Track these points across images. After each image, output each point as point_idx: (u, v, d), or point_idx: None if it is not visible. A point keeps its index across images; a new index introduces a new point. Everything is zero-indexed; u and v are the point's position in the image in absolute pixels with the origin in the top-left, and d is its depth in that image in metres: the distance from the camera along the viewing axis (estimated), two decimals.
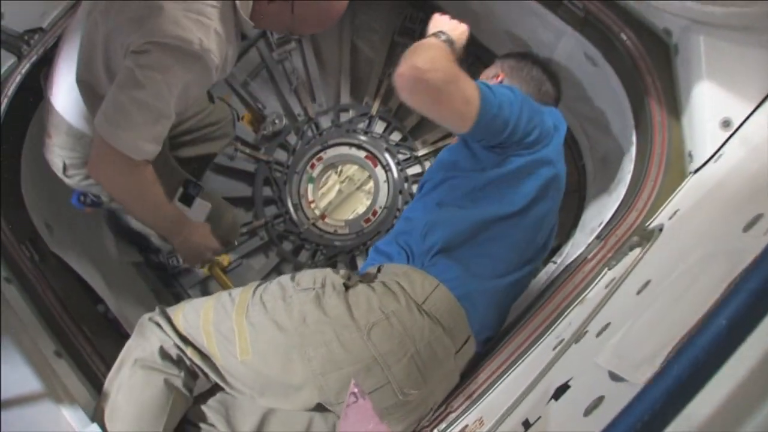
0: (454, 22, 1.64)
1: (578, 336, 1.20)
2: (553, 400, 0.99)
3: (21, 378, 1.44)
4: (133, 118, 1.41)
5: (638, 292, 1.10)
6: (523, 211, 1.55)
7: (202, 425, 1.51)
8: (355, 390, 0.99)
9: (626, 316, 1.04)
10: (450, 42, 1.56)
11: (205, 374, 1.46)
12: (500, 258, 1.52)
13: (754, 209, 0.90)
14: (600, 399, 0.80)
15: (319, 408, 1.41)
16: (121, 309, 2.10)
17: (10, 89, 1.99)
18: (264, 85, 2.83)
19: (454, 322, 1.41)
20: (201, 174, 2.48)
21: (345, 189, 3.45)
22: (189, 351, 1.44)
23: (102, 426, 1.44)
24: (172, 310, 1.54)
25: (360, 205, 3.00)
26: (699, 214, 1.23)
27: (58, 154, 1.73)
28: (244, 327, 1.39)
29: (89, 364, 1.74)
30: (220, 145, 2.29)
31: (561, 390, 0.99)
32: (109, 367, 1.66)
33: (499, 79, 1.83)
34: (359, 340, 1.31)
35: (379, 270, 1.51)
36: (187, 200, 1.93)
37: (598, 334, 1.09)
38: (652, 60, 1.65)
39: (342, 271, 1.47)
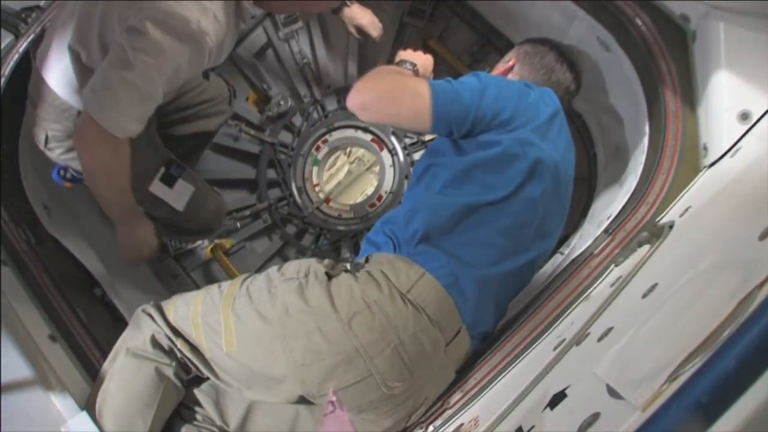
0: (419, 53, 1.70)
1: (580, 338, 1.15)
2: (548, 409, 0.94)
3: (11, 364, 1.43)
4: (120, 98, 1.41)
5: (644, 296, 1.04)
6: (510, 196, 1.48)
7: (195, 408, 1.51)
8: (333, 399, 0.95)
9: (630, 322, 0.98)
10: (413, 68, 1.62)
11: (195, 366, 1.43)
12: (490, 244, 1.46)
13: None
14: (595, 416, 0.75)
15: (305, 401, 1.38)
16: (120, 292, 2.08)
17: (8, 68, 1.95)
18: (270, 65, 2.76)
19: (442, 313, 1.36)
20: (199, 152, 2.44)
21: (354, 170, 3.40)
22: (179, 343, 1.43)
23: (92, 414, 1.42)
24: (165, 303, 1.52)
25: (369, 186, 2.96)
26: (712, 214, 1.17)
27: (42, 126, 1.72)
28: (230, 318, 1.37)
29: (83, 348, 1.73)
30: (216, 123, 2.24)
31: (557, 398, 0.95)
32: (103, 352, 1.65)
33: (511, 64, 1.78)
34: (340, 330, 1.28)
35: (367, 260, 1.48)
36: (169, 181, 1.88)
37: (600, 339, 1.04)
38: (668, 47, 1.58)
39: (326, 261, 1.44)
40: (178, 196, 1.89)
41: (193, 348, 1.43)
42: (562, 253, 2.13)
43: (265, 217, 2.67)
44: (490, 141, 1.49)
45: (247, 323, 1.35)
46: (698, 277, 0.87)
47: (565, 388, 0.95)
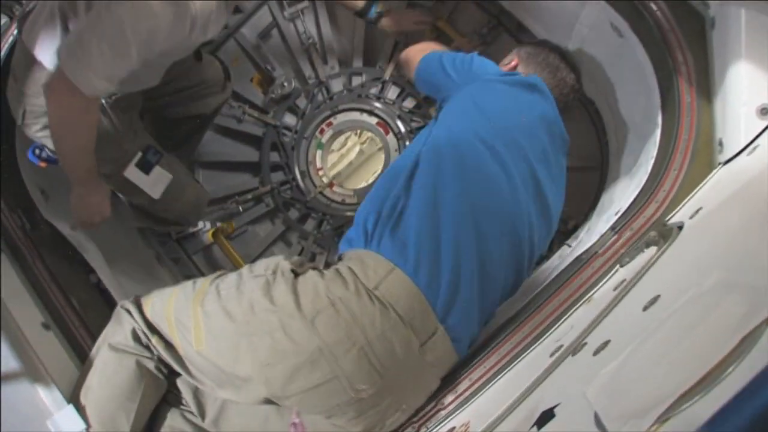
0: None
1: (576, 347, 1.10)
2: (535, 428, 0.89)
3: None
4: (91, 53, 1.38)
5: (645, 308, 0.98)
6: (462, 175, 1.45)
7: (180, 393, 1.51)
8: (296, 420, 0.91)
9: (628, 337, 0.93)
10: None
11: (171, 364, 1.42)
12: (457, 232, 1.39)
13: None
14: None
15: (274, 403, 1.35)
16: (119, 277, 2.06)
17: (3, 50, 1.91)
18: (275, 45, 2.69)
19: (413, 311, 1.31)
20: (198, 136, 2.40)
21: (366, 150, 3.33)
22: (154, 340, 1.41)
23: (78, 407, 1.41)
24: (144, 299, 1.50)
25: (381, 166, 2.88)
26: (723, 221, 1.09)
27: (21, 101, 1.69)
28: (199, 315, 1.35)
29: (76, 337, 1.71)
30: (212, 105, 2.18)
31: (546, 417, 0.90)
32: (96, 340, 1.63)
33: (514, 64, 1.81)
34: (304, 329, 1.25)
35: (340, 258, 1.45)
36: (145, 166, 1.83)
37: (596, 352, 0.98)
38: (685, 33, 1.49)
39: (295, 258, 1.42)
40: (154, 183, 1.84)
41: (168, 345, 1.41)
42: (569, 246, 2.07)
43: (268, 201, 2.63)
44: (443, 117, 1.61)
45: (214, 320, 1.33)
46: (702, 298, 0.80)
47: (554, 406, 0.90)
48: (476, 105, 1.55)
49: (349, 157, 3.51)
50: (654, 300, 0.97)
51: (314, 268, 1.38)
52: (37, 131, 1.73)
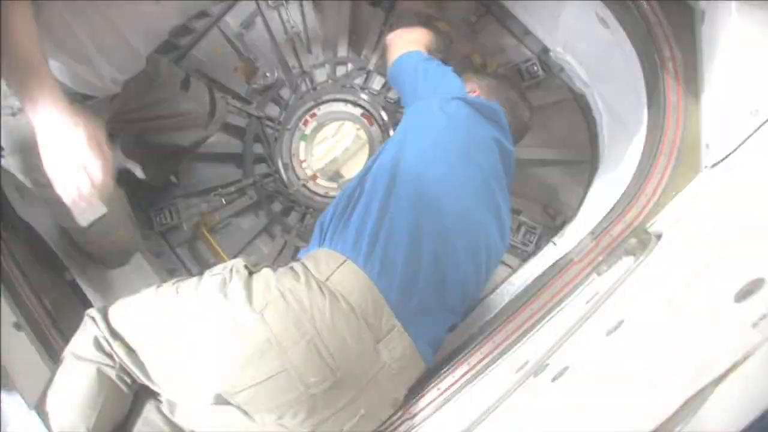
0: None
1: (539, 368, 1.04)
2: None
3: None
4: None
5: (608, 333, 0.92)
6: (405, 173, 1.46)
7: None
8: None
9: (586, 365, 0.87)
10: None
11: (133, 371, 1.38)
12: (412, 224, 1.38)
13: (756, 268, 0.70)
14: None
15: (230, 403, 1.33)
16: (96, 274, 2.01)
17: None
18: (259, 34, 2.60)
19: (366, 303, 1.28)
20: (172, 165, 2.37)
21: (363, 135, 3.25)
22: (116, 345, 1.38)
23: (42, 414, 1.38)
24: (111, 306, 1.48)
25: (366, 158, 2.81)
26: (701, 236, 1.03)
27: None
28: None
29: (48, 337, 1.68)
30: (189, 139, 2.10)
31: None
32: (69, 342, 1.60)
33: (476, 94, 1.80)
34: (253, 321, 1.24)
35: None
36: None
37: (554, 379, 0.93)
38: (673, 27, 1.41)
39: (251, 257, 1.44)
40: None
41: (130, 350, 1.38)
42: (554, 243, 2.01)
43: (251, 194, 2.56)
44: (401, 124, 1.66)
45: (171, 318, 1.33)
46: (661, 336, 0.74)
47: None
48: (435, 115, 1.57)
49: (344, 143, 3.44)
50: (618, 325, 0.91)
51: (268, 266, 1.38)
52: None
